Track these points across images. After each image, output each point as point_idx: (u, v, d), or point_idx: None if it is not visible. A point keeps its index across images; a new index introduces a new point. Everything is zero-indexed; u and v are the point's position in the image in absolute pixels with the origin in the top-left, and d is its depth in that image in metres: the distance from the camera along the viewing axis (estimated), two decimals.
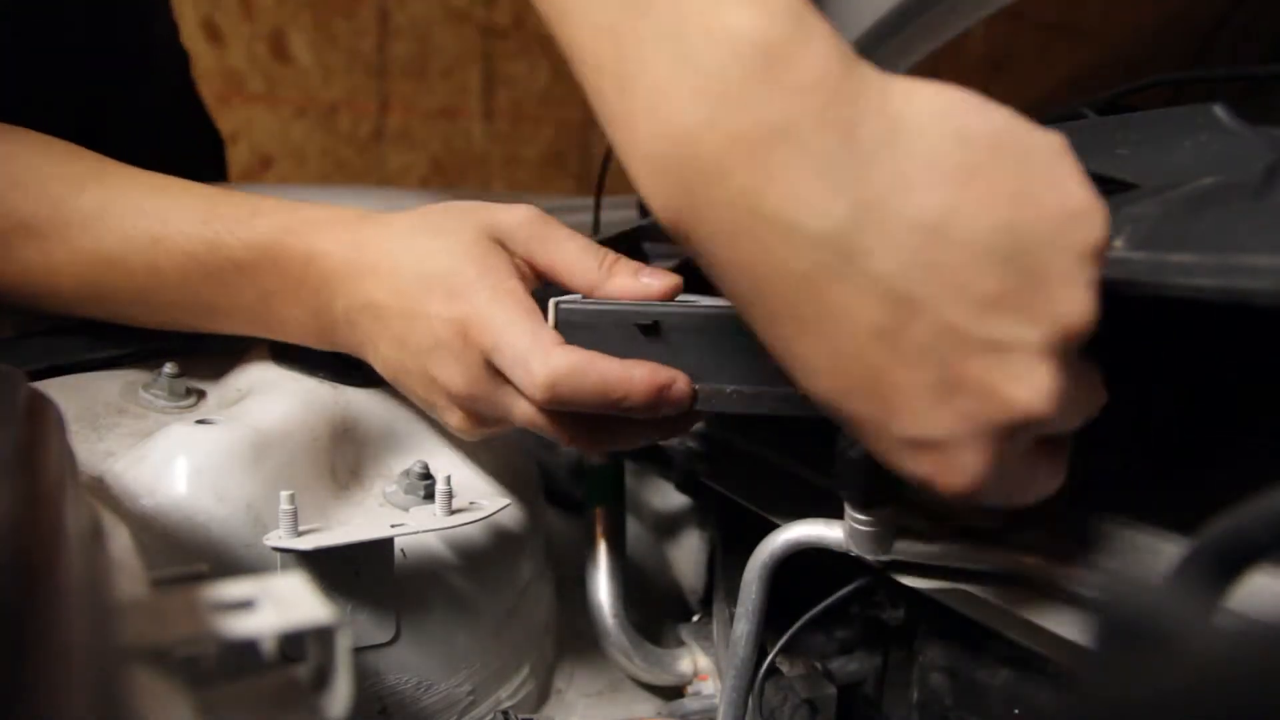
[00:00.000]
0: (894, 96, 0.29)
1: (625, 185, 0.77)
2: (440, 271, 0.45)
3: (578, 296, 0.46)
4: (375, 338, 0.47)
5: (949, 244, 0.29)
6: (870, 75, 0.30)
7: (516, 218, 0.47)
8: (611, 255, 0.47)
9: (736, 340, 0.41)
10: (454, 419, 0.47)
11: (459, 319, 0.44)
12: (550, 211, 0.49)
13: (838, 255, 0.29)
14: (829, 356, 0.31)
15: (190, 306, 0.50)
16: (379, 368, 0.49)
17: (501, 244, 0.47)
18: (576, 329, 0.43)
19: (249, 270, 0.48)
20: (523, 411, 0.45)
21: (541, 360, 0.42)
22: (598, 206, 0.76)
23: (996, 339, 0.29)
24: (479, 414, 0.47)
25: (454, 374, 0.45)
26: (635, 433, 0.46)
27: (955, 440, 0.30)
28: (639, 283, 0.46)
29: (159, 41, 0.86)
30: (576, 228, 0.51)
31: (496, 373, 0.44)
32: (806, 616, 0.46)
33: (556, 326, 0.43)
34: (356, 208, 0.50)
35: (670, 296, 0.45)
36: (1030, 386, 0.29)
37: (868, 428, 0.32)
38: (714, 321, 0.42)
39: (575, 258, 0.47)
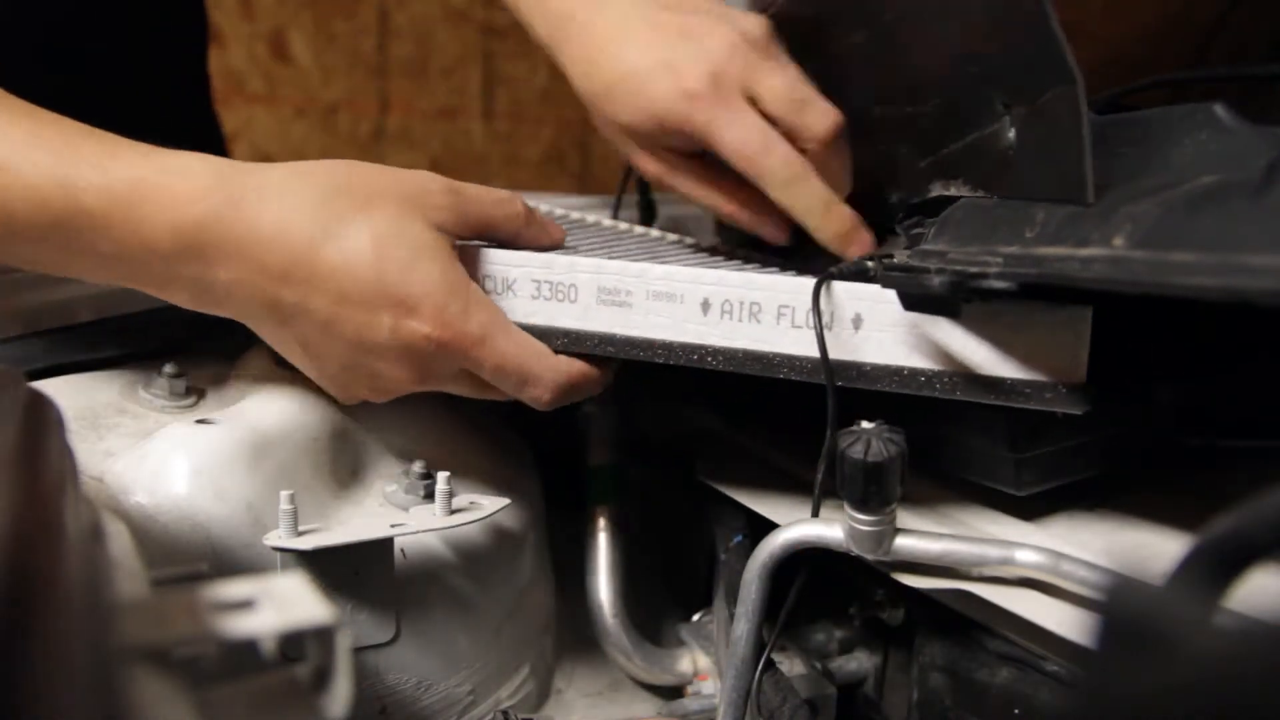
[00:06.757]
0: None
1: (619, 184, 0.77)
2: (390, 283, 0.43)
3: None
4: (278, 325, 0.45)
5: None
6: None
7: (435, 194, 0.45)
8: (523, 205, 0.49)
9: None
10: (357, 395, 0.48)
11: (430, 336, 0.43)
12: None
13: None
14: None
15: (47, 254, 0.44)
16: (275, 343, 0.47)
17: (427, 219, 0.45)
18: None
19: (102, 221, 0.42)
20: (466, 391, 0.48)
21: (554, 377, 0.46)
22: (617, 205, 0.77)
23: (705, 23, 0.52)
24: (395, 393, 0.47)
25: (403, 374, 0.45)
26: None
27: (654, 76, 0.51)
28: (545, 233, 0.49)
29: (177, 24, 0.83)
30: None
31: (466, 374, 0.46)
32: (787, 605, 0.46)
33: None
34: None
35: (557, 246, 0.50)
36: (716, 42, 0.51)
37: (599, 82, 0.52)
38: None
39: (490, 214, 0.47)
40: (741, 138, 0.50)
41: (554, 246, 0.50)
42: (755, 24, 0.52)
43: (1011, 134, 0.42)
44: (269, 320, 0.45)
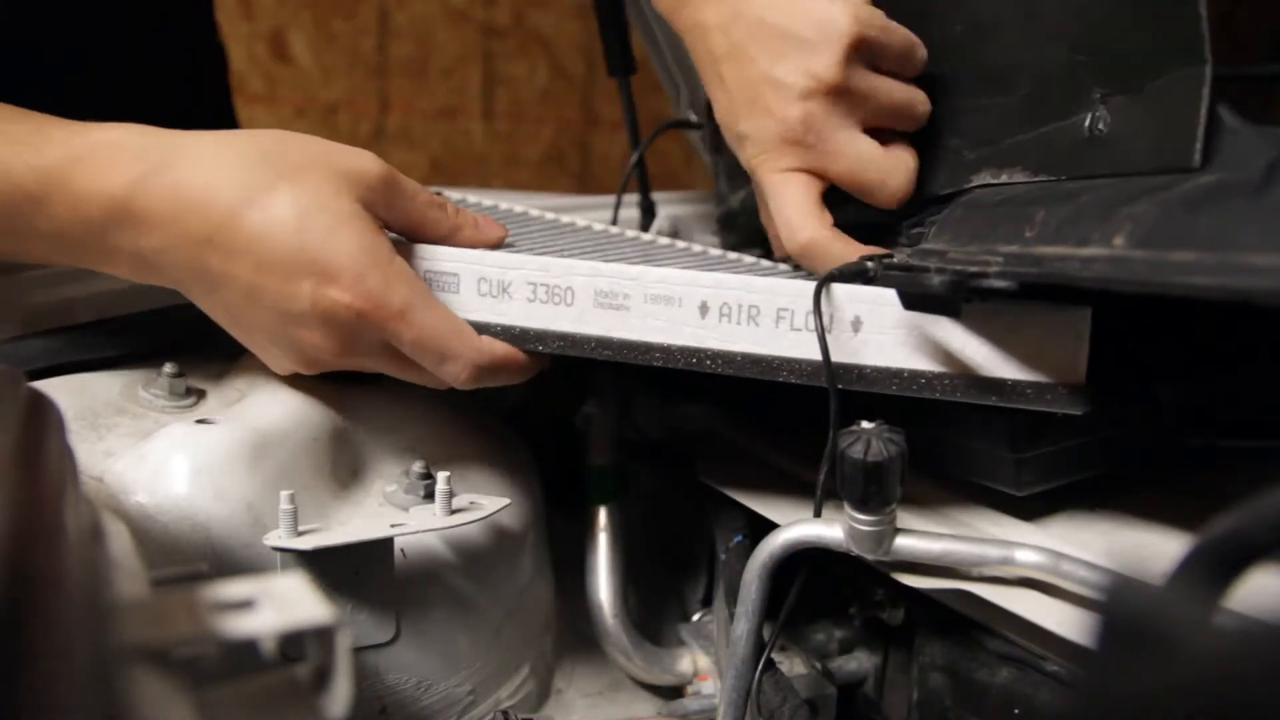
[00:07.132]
0: None
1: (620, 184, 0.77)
2: (310, 251, 0.42)
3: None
4: (207, 292, 0.46)
5: (760, 27, 0.49)
6: None
7: (370, 175, 0.45)
8: (452, 207, 0.49)
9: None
10: (287, 366, 0.48)
11: (350, 305, 0.43)
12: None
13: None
14: (721, 91, 0.52)
15: None
16: (208, 311, 0.47)
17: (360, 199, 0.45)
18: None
19: (41, 201, 0.43)
20: (389, 368, 0.48)
21: (474, 356, 0.46)
22: (618, 205, 0.77)
23: (778, 79, 0.48)
24: (323, 365, 0.47)
25: (326, 345, 0.45)
26: None
27: (752, 134, 0.51)
28: (480, 233, 0.50)
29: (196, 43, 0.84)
30: None
31: (389, 349, 0.46)
32: (787, 604, 0.46)
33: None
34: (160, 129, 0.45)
35: (498, 245, 0.50)
36: (791, 110, 0.49)
37: (730, 130, 0.53)
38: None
39: (424, 213, 0.48)
40: (775, 213, 0.51)
41: (491, 247, 0.50)
42: (825, 65, 0.48)
43: (1102, 122, 0.43)
44: (199, 287, 0.46)
